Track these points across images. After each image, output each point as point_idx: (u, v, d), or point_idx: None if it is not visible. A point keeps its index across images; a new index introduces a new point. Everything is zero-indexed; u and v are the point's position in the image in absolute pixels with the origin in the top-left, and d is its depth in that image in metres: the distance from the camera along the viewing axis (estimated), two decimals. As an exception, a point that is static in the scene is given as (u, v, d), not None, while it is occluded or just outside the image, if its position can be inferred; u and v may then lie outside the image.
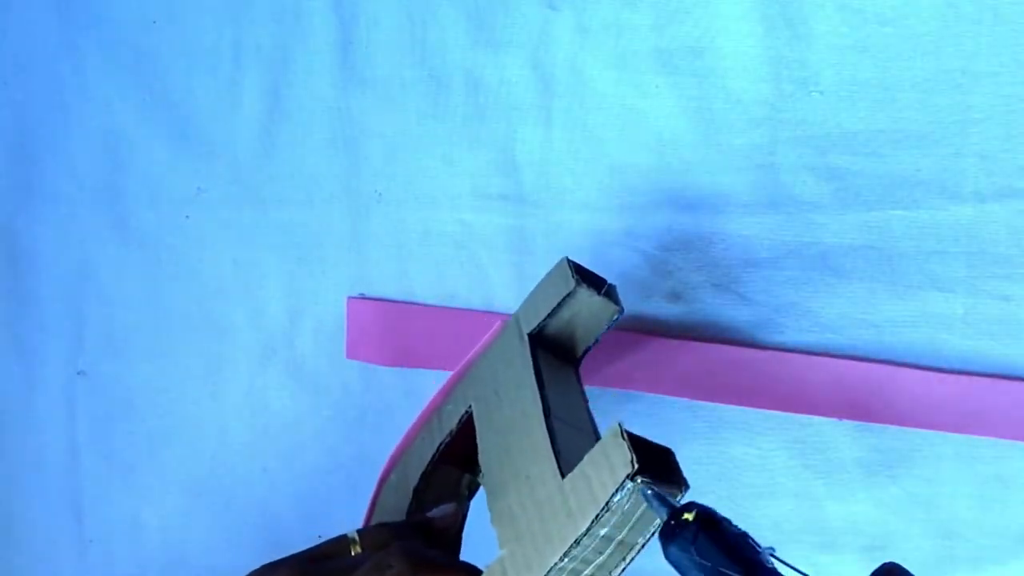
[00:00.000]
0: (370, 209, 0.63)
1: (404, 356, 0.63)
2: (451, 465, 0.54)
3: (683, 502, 0.40)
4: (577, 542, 0.41)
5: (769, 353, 0.59)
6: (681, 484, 0.41)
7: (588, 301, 0.53)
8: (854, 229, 0.58)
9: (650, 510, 0.40)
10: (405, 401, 0.63)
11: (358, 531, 0.49)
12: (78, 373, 0.68)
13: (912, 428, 0.58)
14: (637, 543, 0.42)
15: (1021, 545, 0.57)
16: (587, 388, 0.60)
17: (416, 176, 0.63)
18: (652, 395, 0.60)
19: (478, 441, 0.51)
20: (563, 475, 0.43)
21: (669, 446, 0.42)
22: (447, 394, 0.56)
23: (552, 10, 0.60)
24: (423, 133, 0.62)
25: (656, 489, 0.40)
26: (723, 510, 0.60)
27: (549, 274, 0.55)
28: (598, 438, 0.45)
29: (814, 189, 0.58)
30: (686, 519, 0.40)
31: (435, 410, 0.55)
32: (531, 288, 0.57)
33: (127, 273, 0.67)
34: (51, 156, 0.67)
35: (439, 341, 0.62)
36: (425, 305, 0.63)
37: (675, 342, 0.60)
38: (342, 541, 0.48)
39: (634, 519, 0.41)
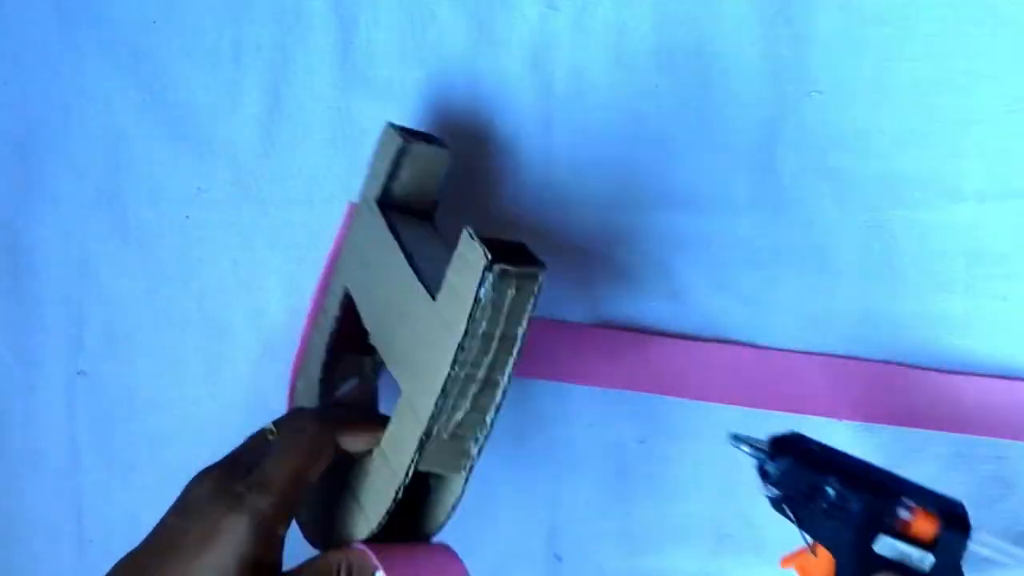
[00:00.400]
0: (370, 209, 0.63)
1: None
2: (348, 351, 0.56)
3: None
4: (461, 347, 0.44)
5: (769, 353, 0.59)
6: (539, 265, 0.44)
7: (419, 154, 0.55)
8: (854, 229, 0.58)
9: (521, 292, 0.44)
10: (405, 401, 0.63)
11: (274, 421, 0.51)
12: (78, 373, 0.68)
13: (912, 428, 0.58)
14: (518, 334, 0.45)
15: (1021, 545, 0.56)
16: (588, 388, 0.60)
17: (416, 176, 0.63)
18: (652, 395, 0.60)
19: (362, 317, 0.53)
20: (434, 298, 0.47)
21: (520, 240, 0.46)
22: (324, 290, 0.58)
23: (552, 10, 0.60)
24: (423, 133, 0.62)
25: (517, 269, 0.43)
26: (723, 510, 0.60)
27: (378, 142, 0.56)
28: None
29: (814, 189, 0.58)
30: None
31: (319, 308, 0.58)
32: None
33: (127, 273, 0.67)
34: (51, 156, 0.67)
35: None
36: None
37: (675, 342, 0.59)
38: (260, 434, 0.51)
39: (506, 310, 0.44)
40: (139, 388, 0.67)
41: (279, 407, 0.65)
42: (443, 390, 0.45)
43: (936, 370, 0.57)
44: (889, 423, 0.58)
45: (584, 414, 0.61)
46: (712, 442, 0.60)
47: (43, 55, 0.67)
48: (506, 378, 0.46)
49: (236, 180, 0.65)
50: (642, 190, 0.60)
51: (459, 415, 0.46)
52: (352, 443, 0.50)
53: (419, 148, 0.55)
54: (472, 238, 0.44)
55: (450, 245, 0.47)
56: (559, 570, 0.62)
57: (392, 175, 0.55)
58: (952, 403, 0.57)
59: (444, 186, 0.57)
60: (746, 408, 0.59)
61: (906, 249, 0.57)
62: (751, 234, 0.59)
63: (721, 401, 0.59)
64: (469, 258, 0.44)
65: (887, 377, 0.57)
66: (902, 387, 0.57)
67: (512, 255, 0.44)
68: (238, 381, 0.66)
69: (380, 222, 0.53)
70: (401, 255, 0.51)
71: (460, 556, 0.50)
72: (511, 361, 0.45)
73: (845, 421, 0.58)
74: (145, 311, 0.67)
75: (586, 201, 0.61)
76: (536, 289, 0.44)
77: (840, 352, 0.58)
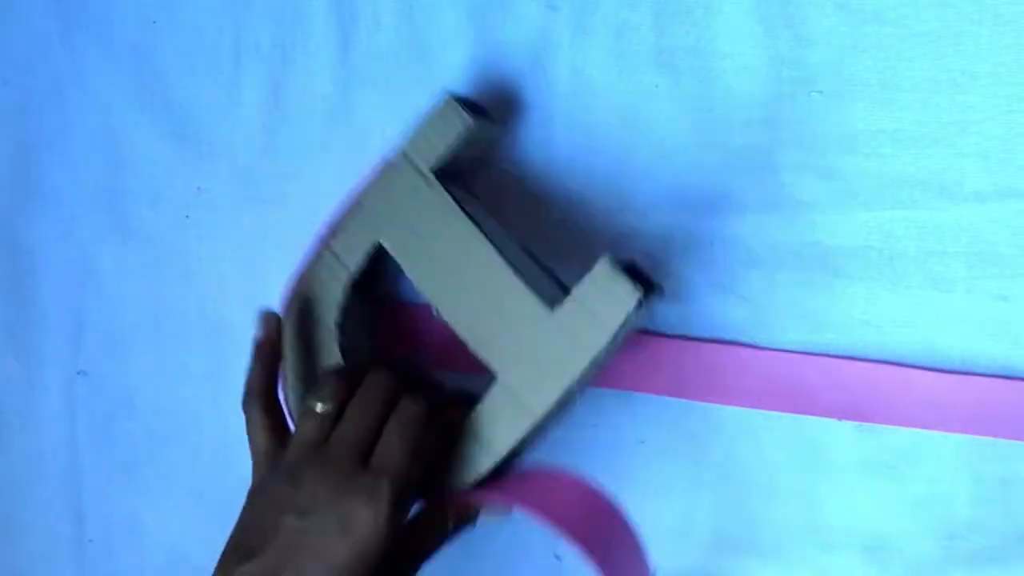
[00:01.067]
0: (370, 209, 0.63)
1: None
2: (364, 297, 0.58)
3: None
4: (596, 359, 0.49)
5: (769, 353, 0.59)
6: (656, 286, 0.51)
7: (480, 129, 0.55)
8: (854, 229, 0.58)
9: (638, 318, 0.50)
10: (405, 401, 0.63)
11: (317, 396, 0.51)
12: (78, 373, 0.68)
13: (912, 428, 0.58)
14: (606, 358, 0.51)
15: (1021, 545, 0.56)
16: (587, 388, 0.60)
17: (416, 176, 0.63)
18: (652, 395, 0.60)
19: (409, 274, 0.54)
20: (550, 307, 0.50)
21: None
22: (337, 231, 0.57)
23: (552, 10, 0.60)
24: (423, 133, 0.62)
25: (646, 299, 0.49)
26: (723, 510, 0.60)
27: (436, 111, 0.55)
28: (536, 261, 0.55)
29: (814, 189, 0.58)
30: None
31: (325, 247, 0.57)
32: None
33: (127, 273, 0.67)
34: (51, 156, 0.67)
35: (439, 341, 0.62)
36: (425, 305, 0.63)
37: (675, 342, 0.60)
38: (309, 420, 0.51)
39: (620, 340, 0.50)
40: (139, 388, 0.67)
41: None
42: (560, 397, 0.50)
43: (936, 370, 0.57)
44: (889, 423, 0.58)
45: (584, 414, 0.61)
46: (712, 442, 0.60)
47: (43, 55, 0.67)
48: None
49: (236, 180, 0.65)
50: (642, 190, 0.60)
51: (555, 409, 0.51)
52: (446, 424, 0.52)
53: (480, 124, 0.55)
54: (615, 269, 0.49)
55: (502, 223, 0.54)
56: (559, 570, 0.62)
57: (454, 148, 0.55)
58: (952, 403, 0.57)
59: (492, 155, 0.59)
60: (746, 408, 0.59)
61: (906, 249, 0.57)
62: (751, 234, 0.59)
63: (721, 401, 0.59)
64: (614, 290, 0.49)
65: (887, 377, 0.57)
66: (902, 387, 0.57)
67: (635, 278, 0.50)
68: (238, 381, 0.66)
69: (441, 197, 0.54)
70: (491, 249, 0.52)
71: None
72: (590, 378, 0.52)
73: (845, 421, 0.58)
74: (145, 311, 0.67)
75: (586, 201, 0.61)
76: (650, 306, 0.50)
77: (840, 352, 0.58)
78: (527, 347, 0.51)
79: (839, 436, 0.58)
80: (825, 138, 0.57)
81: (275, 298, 0.65)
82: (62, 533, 0.68)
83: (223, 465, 0.66)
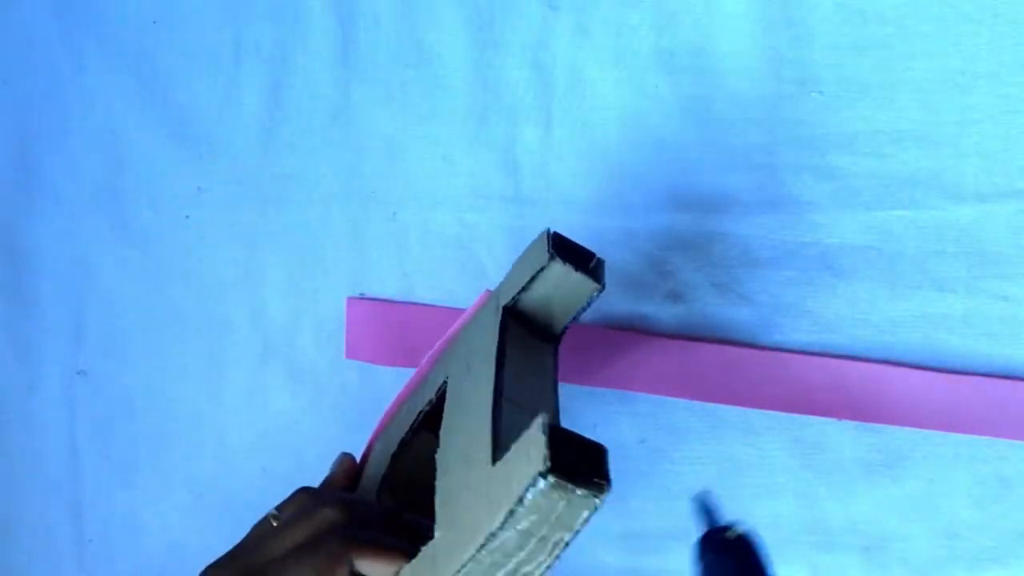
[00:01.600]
0: (370, 209, 0.63)
1: (403, 356, 0.63)
2: (432, 433, 0.51)
3: (726, 522, 0.39)
4: (493, 535, 0.39)
5: (769, 353, 0.59)
6: (602, 488, 0.39)
7: (564, 277, 0.49)
8: (854, 229, 0.58)
9: (572, 507, 0.38)
10: (405, 401, 0.63)
11: (277, 507, 0.49)
12: (78, 373, 0.68)
13: (912, 428, 0.58)
14: (562, 539, 0.40)
15: (1021, 545, 0.56)
16: (588, 388, 0.60)
17: (416, 176, 0.63)
18: (652, 395, 0.60)
19: (444, 416, 0.49)
20: (493, 462, 0.41)
21: (602, 444, 0.40)
22: (433, 362, 0.55)
23: (552, 10, 0.60)
24: (423, 133, 0.62)
25: (572, 487, 0.38)
26: (723, 510, 0.60)
27: (531, 244, 0.52)
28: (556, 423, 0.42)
29: (814, 189, 0.58)
30: (727, 536, 0.40)
31: (422, 377, 0.55)
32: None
33: (127, 273, 0.67)
34: (51, 156, 0.67)
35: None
36: (425, 305, 0.63)
37: (675, 342, 0.60)
38: (265, 523, 0.48)
39: (554, 516, 0.39)
40: (139, 388, 0.67)
41: (279, 407, 0.65)
42: (463, 565, 0.41)
43: (936, 370, 0.57)
44: (889, 423, 0.58)
45: (585, 414, 0.61)
46: (712, 442, 0.60)
47: (43, 55, 0.67)
48: (538, 574, 0.41)
49: (236, 180, 0.65)
50: (642, 190, 0.60)
51: None
52: (369, 568, 0.46)
53: (563, 271, 0.49)
54: (542, 432, 0.38)
55: (556, 383, 0.45)
56: (559, 569, 0.62)
57: (527, 287, 0.50)
58: (952, 403, 0.57)
59: (581, 314, 0.51)
60: (746, 408, 0.59)
61: (906, 249, 0.57)
62: (751, 234, 0.59)
63: (721, 401, 0.59)
64: (532, 452, 0.39)
65: (887, 377, 0.57)
66: (902, 387, 0.57)
67: (582, 460, 0.39)
68: (238, 381, 0.66)
69: (494, 331, 0.49)
70: (491, 385, 0.46)
71: None
72: (549, 563, 0.41)
73: (845, 421, 0.58)
74: (145, 311, 0.67)
75: (586, 201, 0.61)
76: (593, 508, 0.39)
77: (840, 352, 0.58)
78: (460, 501, 0.43)
79: (839, 436, 0.58)
80: (825, 138, 0.57)
81: (275, 298, 0.65)
82: (62, 533, 0.68)
83: (223, 465, 0.66)
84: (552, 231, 0.51)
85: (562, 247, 0.50)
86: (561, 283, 0.50)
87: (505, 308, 0.50)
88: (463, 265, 0.62)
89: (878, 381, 0.57)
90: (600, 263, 0.51)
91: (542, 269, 0.49)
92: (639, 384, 0.60)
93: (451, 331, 0.55)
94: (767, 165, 0.58)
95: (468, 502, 0.42)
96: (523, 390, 0.47)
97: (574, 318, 0.51)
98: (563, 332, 0.52)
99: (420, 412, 0.52)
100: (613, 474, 0.56)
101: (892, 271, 0.57)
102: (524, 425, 0.40)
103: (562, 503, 0.38)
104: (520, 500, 0.38)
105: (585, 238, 0.61)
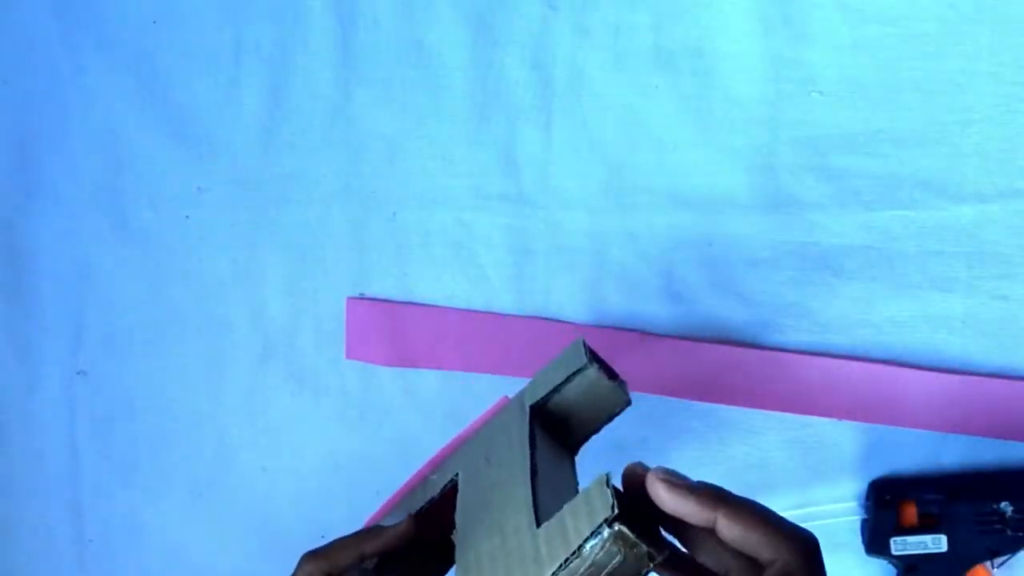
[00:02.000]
0: (370, 209, 0.63)
1: (403, 356, 0.63)
2: (425, 535, 0.51)
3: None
4: None
5: (769, 353, 0.59)
6: (661, 549, 0.38)
7: (597, 383, 0.50)
8: (854, 229, 0.58)
9: (626, 564, 0.38)
10: (404, 401, 0.63)
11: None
12: (78, 373, 0.68)
13: (912, 428, 0.58)
14: None
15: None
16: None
17: (416, 176, 0.63)
18: (652, 395, 0.60)
19: (457, 502, 0.49)
20: (539, 524, 0.41)
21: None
22: (436, 464, 0.54)
23: (552, 10, 0.60)
24: (423, 133, 0.62)
25: (634, 539, 0.37)
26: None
27: (563, 351, 0.52)
28: None
29: (814, 189, 0.58)
30: None
31: (421, 479, 0.54)
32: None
33: (127, 273, 0.67)
34: (51, 156, 0.67)
35: (439, 341, 0.62)
36: (425, 305, 0.63)
37: (675, 342, 0.60)
38: None
39: (607, 570, 0.38)
40: (139, 388, 0.67)
41: (279, 407, 0.65)
42: None
43: (936, 370, 0.57)
44: (889, 423, 0.58)
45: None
46: (712, 442, 0.60)
47: (43, 55, 0.67)
48: None
49: (236, 180, 0.65)
50: (642, 190, 0.60)
51: None
52: None
53: (597, 377, 0.50)
54: (606, 485, 0.39)
55: (578, 486, 0.45)
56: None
57: (559, 388, 0.50)
58: (952, 403, 0.57)
59: (603, 426, 0.51)
60: (746, 408, 0.59)
61: (906, 249, 0.57)
62: (751, 234, 0.59)
63: (721, 401, 0.59)
64: (595, 503, 0.39)
65: (887, 377, 0.57)
66: (902, 387, 0.57)
67: (641, 520, 0.39)
68: (238, 381, 0.66)
69: (523, 425, 0.49)
70: (527, 467, 0.46)
71: None
72: None
73: (845, 421, 0.58)
74: (145, 311, 0.67)
75: (586, 201, 0.61)
76: (644, 570, 0.38)
77: (840, 352, 0.58)
78: (497, 567, 0.43)
79: (839, 436, 0.58)
80: (825, 138, 0.57)
81: (275, 298, 0.65)
82: (62, 533, 0.68)
83: (223, 465, 0.66)
84: (586, 341, 0.51)
85: (595, 357, 0.50)
86: (592, 389, 0.50)
87: (533, 407, 0.50)
88: (463, 265, 0.62)
89: (878, 381, 0.57)
90: (624, 383, 0.51)
91: (577, 372, 0.49)
92: (639, 384, 0.60)
93: (456, 438, 0.54)
94: (767, 165, 0.58)
95: (506, 563, 0.42)
96: (555, 479, 0.47)
97: (596, 430, 0.51)
98: (581, 444, 0.52)
99: (419, 510, 0.51)
100: (615, 468, 0.55)
101: (892, 271, 0.57)
102: (564, 500, 0.41)
103: (618, 557, 0.38)
104: (579, 549, 0.38)
105: (585, 238, 0.61)
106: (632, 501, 0.39)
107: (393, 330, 0.63)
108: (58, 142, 0.67)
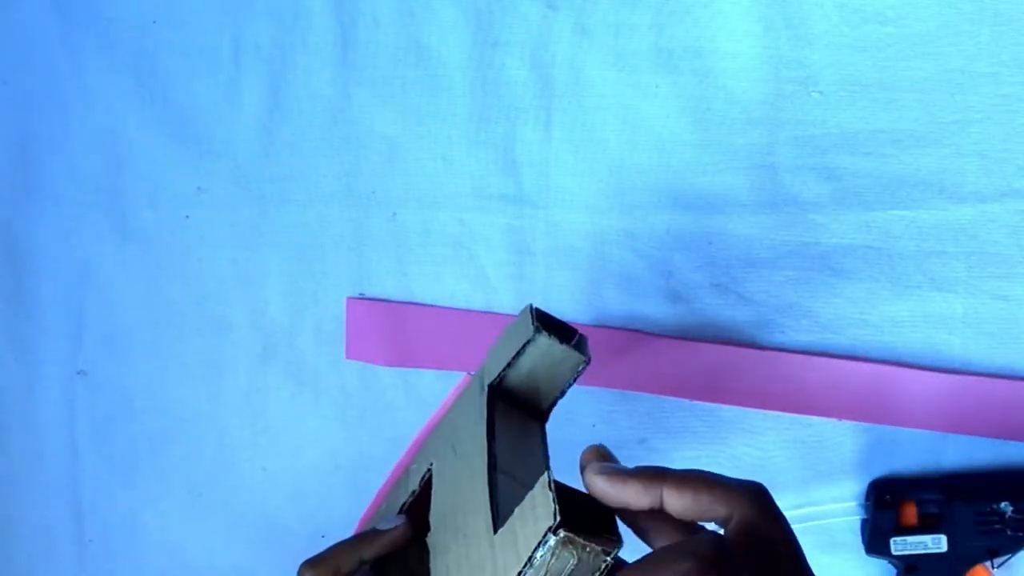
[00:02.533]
0: (370, 209, 0.63)
1: (403, 356, 0.63)
2: (415, 526, 0.50)
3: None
4: None
5: (769, 353, 0.59)
6: (613, 543, 0.38)
7: (549, 350, 0.49)
8: (854, 229, 0.58)
9: (583, 565, 0.37)
10: (405, 401, 0.63)
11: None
12: (78, 373, 0.68)
13: (912, 428, 0.58)
14: None
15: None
16: (588, 388, 0.60)
17: (416, 176, 0.63)
18: (652, 395, 0.60)
19: (432, 499, 0.48)
20: (495, 531, 0.40)
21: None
22: (415, 452, 0.54)
23: (552, 10, 0.60)
24: (423, 133, 0.62)
25: (582, 542, 0.37)
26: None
27: (513, 322, 0.51)
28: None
29: (814, 189, 0.58)
30: None
31: (404, 468, 0.53)
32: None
33: (127, 273, 0.67)
34: (51, 156, 0.67)
35: (439, 341, 0.62)
36: (425, 305, 0.63)
37: (675, 342, 0.60)
38: None
39: (565, 573, 0.37)
40: (139, 388, 0.67)
41: (279, 407, 0.65)
42: None
43: (936, 370, 0.57)
44: (889, 423, 0.58)
45: (585, 414, 0.61)
46: (712, 442, 0.60)
47: (43, 55, 0.67)
48: None
49: (236, 180, 0.65)
50: (642, 190, 0.60)
51: None
52: None
53: (548, 344, 0.48)
54: (548, 489, 0.38)
55: (548, 458, 0.43)
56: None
57: (512, 363, 0.49)
58: (952, 403, 0.57)
59: (568, 388, 0.50)
60: (746, 408, 0.59)
61: (906, 249, 0.57)
62: (751, 234, 0.59)
63: (721, 401, 0.59)
64: (538, 511, 0.38)
65: (887, 377, 0.57)
66: (902, 387, 0.57)
67: (589, 519, 0.38)
68: (238, 381, 0.66)
69: (481, 410, 0.48)
70: (484, 461, 0.44)
71: None
72: None
73: (845, 421, 0.58)
74: (145, 311, 0.67)
75: (586, 201, 0.61)
76: (603, 566, 0.37)
77: (840, 352, 0.58)
78: (465, 574, 0.42)
79: (839, 436, 0.58)
80: (825, 138, 0.57)
81: (275, 298, 0.65)
82: (62, 533, 0.68)
83: (223, 465, 0.66)
84: (534, 306, 0.50)
85: (546, 322, 0.49)
86: (546, 357, 0.49)
87: (490, 387, 0.49)
88: (463, 265, 0.62)
89: (878, 381, 0.57)
90: (583, 339, 0.50)
91: (527, 344, 0.48)
92: (639, 384, 0.60)
93: (431, 420, 0.54)
94: (767, 165, 0.58)
95: (471, 573, 0.41)
96: (517, 464, 0.46)
97: (561, 394, 0.50)
98: (550, 409, 0.51)
99: (403, 504, 0.51)
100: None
101: (892, 271, 0.58)
102: (523, 495, 0.40)
103: (572, 561, 0.37)
104: (529, 560, 0.37)
105: (585, 238, 0.61)
106: (584, 495, 0.38)
107: (393, 330, 0.63)
108: (58, 142, 0.67)
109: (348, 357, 0.64)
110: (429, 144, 0.62)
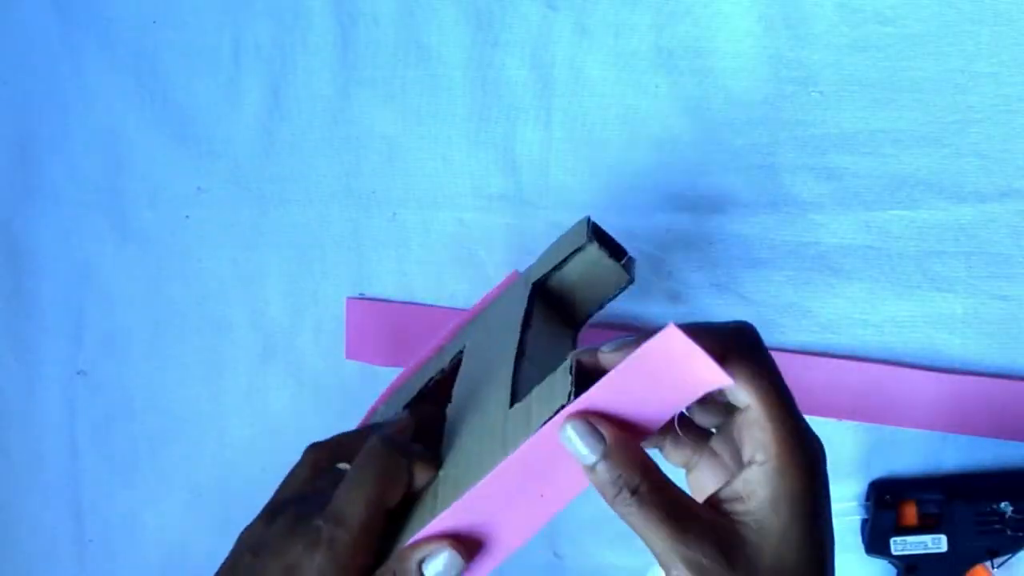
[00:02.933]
0: (370, 209, 0.63)
1: (403, 356, 0.63)
2: (438, 404, 0.50)
3: None
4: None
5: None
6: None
7: (598, 261, 0.50)
8: (854, 229, 0.58)
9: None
10: (405, 401, 0.63)
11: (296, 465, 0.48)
12: (78, 373, 0.68)
13: (912, 428, 0.58)
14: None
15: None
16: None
17: (416, 176, 0.63)
18: (652, 395, 0.60)
19: (458, 375, 0.49)
20: (511, 406, 0.41)
21: None
22: (450, 336, 0.56)
23: (552, 10, 0.60)
24: (423, 133, 0.62)
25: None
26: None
27: (569, 229, 0.52)
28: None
29: (814, 189, 0.58)
30: None
31: (438, 348, 0.55)
32: None
33: (127, 273, 0.67)
34: (51, 156, 0.67)
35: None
36: (425, 305, 0.63)
37: (675, 342, 0.59)
38: (330, 469, 0.47)
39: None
40: (139, 388, 0.67)
41: (279, 407, 0.65)
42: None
43: (936, 370, 0.57)
44: (889, 423, 0.58)
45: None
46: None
47: (43, 55, 0.67)
48: None
49: (236, 180, 0.65)
50: (642, 190, 0.60)
51: None
52: (420, 476, 0.45)
53: (598, 256, 0.50)
54: (568, 371, 0.38)
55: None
56: (559, 569, 0.62)
57: (560, 265, 0.50)
58: (952, 403, 0.57)
59: (606, 304, 0.52)
60: (746, 408, 0.59)
61: (906, 249, 0.57)
62: (751, 234, 0.59)
63: (721, 401, 0.59)
64: (556, 388, 0.38)
65: (887, 377, 0.57)
66: (902, 387, 0.57)
67: None
68: (238, 381, 0.66)
69: (522, 302, 0.49)
70: (514, 346, 0.45)
71: None
72: None
73: (845, 421, 0.58)
74: (145, 311, 0.67)
75: (586, 201, 0.61)
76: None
77: (840, 352, 0.58)
78: (473, 445, 0.42)
79: (839, 436, 0.58)
80: (825, 138, 0.58)
81: (275, 298, 0.65)
82: (62, 533, 0.68)
83: (223, 465, 0.66)
84: (591, 218, 0.51)
85: (599, 235, 0.51)
86: (594, 268, 0.50)
87: (534, 284, 0.51)
88: (463, 265, 0.62)
89: (878, 381, 0.57)
90: (631, 260, 0.52)
91: (578, 250, 0.50)
92: (639, 384, 0.60)
93: (472, 309, 0.56)
94: (767, 165, 0.58)
95: (479, 443, 0.42)
96: (544, 357, 0.47)
97: (599, 307, 0.52)
98: (585, 321, 0.53)
99: (430, 379, 0.52)
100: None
101: (892, 271, 0.58)
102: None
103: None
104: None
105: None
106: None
107: (393, 330, 0.63)
108: (58, 142, 0.67)
109: (348, 357, 0.64)
110: (429, 144, 0.62)
